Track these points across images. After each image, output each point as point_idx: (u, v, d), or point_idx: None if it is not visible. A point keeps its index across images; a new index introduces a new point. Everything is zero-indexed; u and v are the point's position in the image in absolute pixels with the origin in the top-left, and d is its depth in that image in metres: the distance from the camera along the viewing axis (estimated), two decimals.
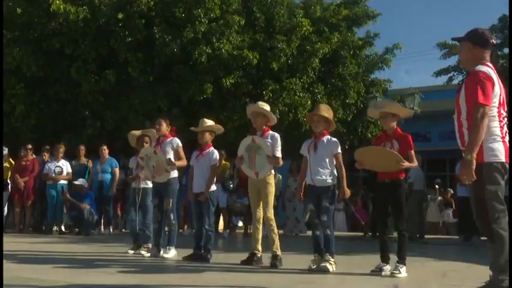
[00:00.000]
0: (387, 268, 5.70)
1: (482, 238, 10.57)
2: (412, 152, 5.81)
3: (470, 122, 4.12)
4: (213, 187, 7.04)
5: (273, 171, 6.55)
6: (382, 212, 5.98)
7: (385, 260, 5.78)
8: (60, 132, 13.85)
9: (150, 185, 7.77)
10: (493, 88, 4.11)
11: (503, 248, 4.02)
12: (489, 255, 4.15)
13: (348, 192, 6.17)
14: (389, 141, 5.81)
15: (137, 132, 7.93)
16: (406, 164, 5.63)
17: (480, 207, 4.12)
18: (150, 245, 7.56)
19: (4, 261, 6.05)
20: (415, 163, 5.86)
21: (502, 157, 4.12)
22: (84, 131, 13.28)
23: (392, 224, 6.03)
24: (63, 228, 11.79)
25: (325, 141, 6.17)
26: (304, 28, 13.98)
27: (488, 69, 4.18)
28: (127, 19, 13.13)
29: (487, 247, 4.19)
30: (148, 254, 7.37)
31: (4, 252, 6.90)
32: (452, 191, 17.22)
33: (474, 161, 3.99)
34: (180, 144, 7.39)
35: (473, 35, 4.35)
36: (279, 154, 6.44)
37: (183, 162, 7.41)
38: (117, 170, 11.83)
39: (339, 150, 6.16)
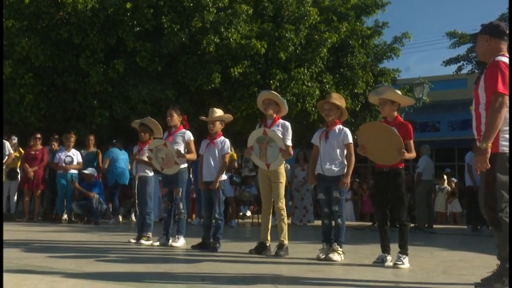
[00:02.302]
0: (389, 259, 5.63)
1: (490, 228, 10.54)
2: (412, 141, 5.64)
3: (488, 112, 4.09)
4: (224, 176, 7.01)
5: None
6: (382, 201, 5.80)
7: (386, 250, 5.68)
8: (68, 121, 13.93)
9: (150, 173, 7.75)
10: None
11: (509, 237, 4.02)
12: (497, 244, 4.15)
13: (347, 182, 5.99)
14: None
15: (138, 122, 7.93)
16: (407, 154, 5.50)
17: (490, 195, 4.11)
18: (150, 234, 7.54)
19: (14, 249, 6.12)
20: (413, 153, 5.67)
21: None
22: (93, 121, 13.33)
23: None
24: (72, 217, 11.88)
25: (337, 130, 6.11)
26: (313, 17, 13.91)
27: (508, 60, 4.15)
28: (135, 8, 13.12)
29: (495, 237, 4.19)
30: (148, 243, 7.37)
31: (14, 241, 6.99)
32: (455, 180, 17.15)
33: (489, 150, 3.99)
34: (192, 138, 7.35)
35: (489, 28, 4.36)
36: (289, 142, 6.35)
37: (193, 156, 7.40)
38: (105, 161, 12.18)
39: (351, 141, 6.08)
